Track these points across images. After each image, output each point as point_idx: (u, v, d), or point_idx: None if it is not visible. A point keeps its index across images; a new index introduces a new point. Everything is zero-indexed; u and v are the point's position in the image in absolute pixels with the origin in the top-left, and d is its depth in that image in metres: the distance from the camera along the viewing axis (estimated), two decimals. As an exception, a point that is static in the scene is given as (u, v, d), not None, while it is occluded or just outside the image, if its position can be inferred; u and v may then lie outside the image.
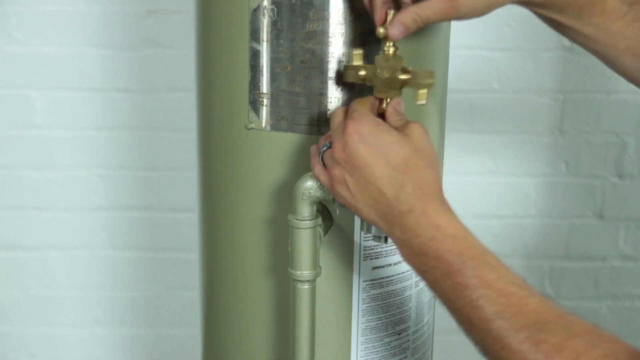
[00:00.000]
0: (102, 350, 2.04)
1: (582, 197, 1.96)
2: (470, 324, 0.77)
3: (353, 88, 0.91)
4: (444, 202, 0.80)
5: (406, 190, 0.79)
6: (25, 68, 1.86)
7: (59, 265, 1.98)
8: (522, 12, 1.65)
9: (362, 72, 0.87)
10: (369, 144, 0.80)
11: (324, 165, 0.85)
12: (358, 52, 0.88)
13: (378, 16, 0.86)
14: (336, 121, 0.84)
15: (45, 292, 2.00)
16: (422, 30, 0.89)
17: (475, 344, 0.78)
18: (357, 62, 0.88)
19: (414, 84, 0.84)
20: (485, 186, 1.91)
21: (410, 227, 0.78)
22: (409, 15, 0.83)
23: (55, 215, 1.95)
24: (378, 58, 0.85)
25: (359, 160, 0.80)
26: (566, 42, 1.83)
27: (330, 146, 0.84)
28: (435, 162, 0.82)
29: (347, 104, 0.92)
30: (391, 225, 0.80)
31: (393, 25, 0.83)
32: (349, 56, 0.90)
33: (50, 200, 1.93)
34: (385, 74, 0.85)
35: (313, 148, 0.88)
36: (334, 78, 0.91)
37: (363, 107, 0.84)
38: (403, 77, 0.84)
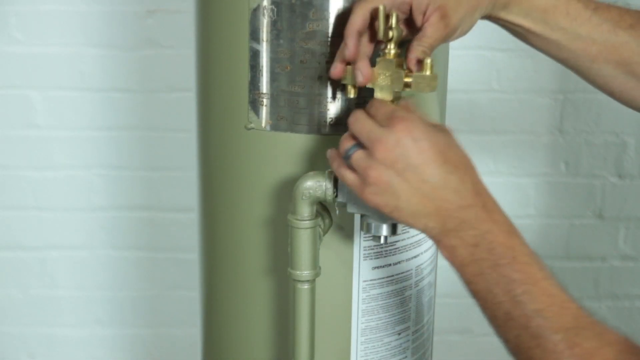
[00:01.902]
0: (102, 350, 2.04)
1: (582, 197, 1.96)
2: (508, 318, 0.77)
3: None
4: (497, 203, 0.81)
5: (467, 187, 0.79)
6: (25, 68, 1.86)
7: (58, 265, 1.98)
8: (522, 12, 1.62)
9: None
10: (424, 142, 0.79)
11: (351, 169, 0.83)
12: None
13: (363, 72, 0.85)
14: (370, 123, 0.82)
15: (45, 292, 2.00)
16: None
17: (507, 341, 0.78)
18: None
19: (416, 87, 0.84)
20: (485, 186, 1.91)
21: (468, 220, 0.79)
22: (419, 50, 0.84)
23: (55, 215, 1.95)
24: (380, 60, 0.85)
25: (414, 159, 0.79)
26: (566, 42, 1.83)
27: (358, 148, 0.82)
28: None
29: (347, 103, 0.92)
30: (444, 219, 0.80)
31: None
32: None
33: (50, 200, 1.93)
34: (389, 77, 0.85)
35: (333, 152, 0.86)
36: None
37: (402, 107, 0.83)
38: (407, 79, 0.84)
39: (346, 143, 0.84)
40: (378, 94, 0.85)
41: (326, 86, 0.92)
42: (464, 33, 0.89)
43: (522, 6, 0.91)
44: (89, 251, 1.97)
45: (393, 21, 0.83)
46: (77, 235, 1.96)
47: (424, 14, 0.85)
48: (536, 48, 0.96)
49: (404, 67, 0.85)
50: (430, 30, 0.84)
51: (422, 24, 0.85)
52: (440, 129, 0.82)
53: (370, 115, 0.83)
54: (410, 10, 0.86)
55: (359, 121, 0.83)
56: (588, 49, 0.93)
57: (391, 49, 0.85)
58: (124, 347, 2.04)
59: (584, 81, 0.98)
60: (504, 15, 0.92)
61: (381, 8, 0.83)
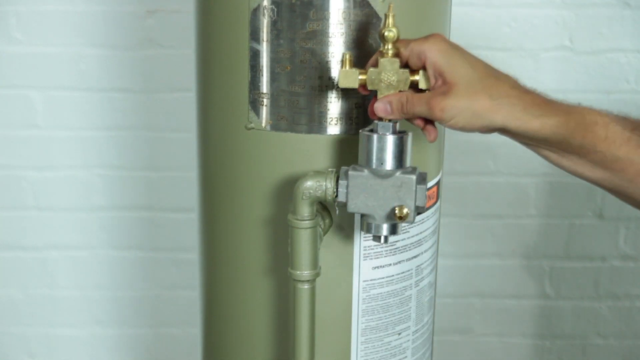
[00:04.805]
0: (102, 350, 2.04)
1: (582, 197, 1.96)
2: None
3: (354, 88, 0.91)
4: None
5: None
6: (25, 68, 1.86)
7: (59, 265, 1.98)
8: (522, 12, 1.64)
9: (363, 77, 0.87)
10: None
11: None
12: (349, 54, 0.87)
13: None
14: None
15: (45, 292, 2.00)
16: (422, 30, 0.90)
17: None
18: (351, 65, 0.87)
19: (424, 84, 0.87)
20: (485, 186, 1.91)
21: None
22: (396, 109, 0.87)
23: (55, 215, 1.95)
24: (381, 60, 0.86)
25: None
26: (566, 42, 1.83)
27: None
28: None
29: (346, 103, 0.92)
30: None
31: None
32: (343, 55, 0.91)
33: (50, 200, 1.93)
34: (392, 77, 0.85)
35: None
36: (334, 78, 0.92)
37: None
38: (413, 78, 0.87)
39: None
40: (384, 92, 0.86)
41: (326, 86, 0.92)
42: (460, 127, 0.89)
43: (561, 129, 0.90)
44: (89, 251, 1.97)
45: (390, 21, 0.84)
46: (77, 235, 1.96)
47: (436, 78, 0.86)
48: (564, 168, 0.94)
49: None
50: (422, 110, 0.86)
51: (430, 88, 0.87)
52: None
53: None
54: (424, 66, 0.87)
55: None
56: (626, 170, 0.90)
57: (388, 49, 0.85)
58: (124, 347, 2.04)
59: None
60: (539, 143, 0.91)
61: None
